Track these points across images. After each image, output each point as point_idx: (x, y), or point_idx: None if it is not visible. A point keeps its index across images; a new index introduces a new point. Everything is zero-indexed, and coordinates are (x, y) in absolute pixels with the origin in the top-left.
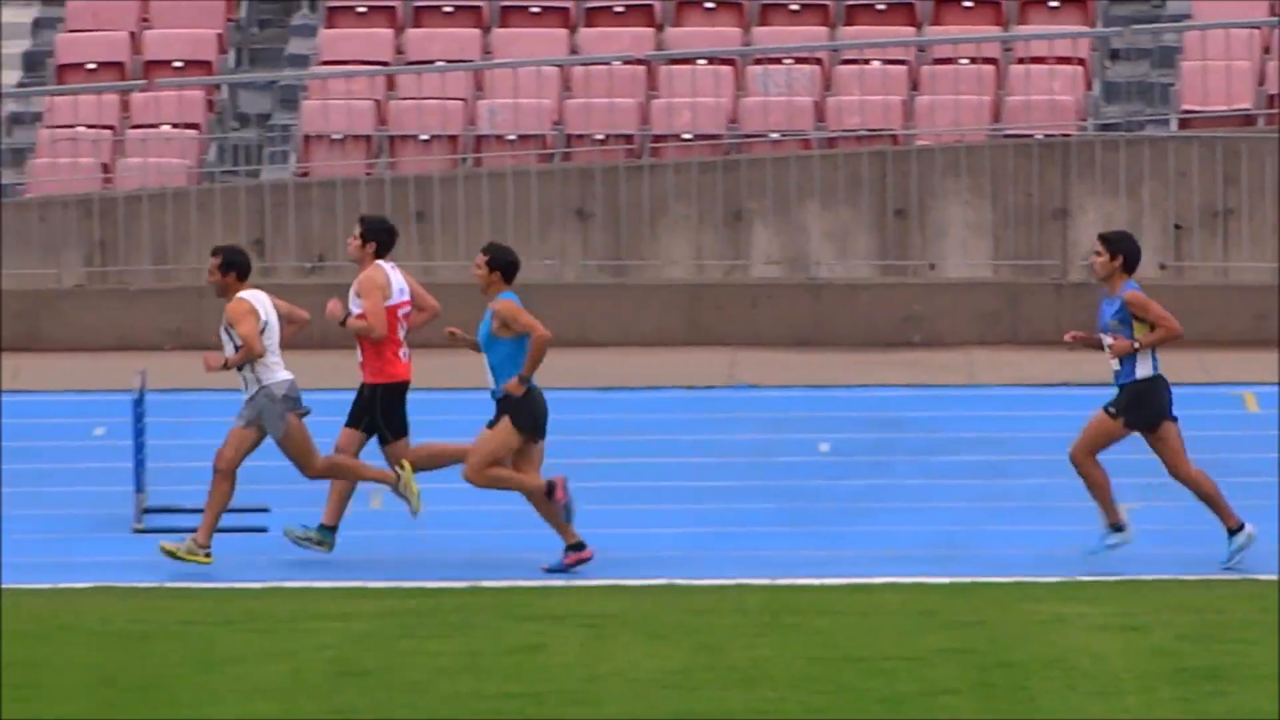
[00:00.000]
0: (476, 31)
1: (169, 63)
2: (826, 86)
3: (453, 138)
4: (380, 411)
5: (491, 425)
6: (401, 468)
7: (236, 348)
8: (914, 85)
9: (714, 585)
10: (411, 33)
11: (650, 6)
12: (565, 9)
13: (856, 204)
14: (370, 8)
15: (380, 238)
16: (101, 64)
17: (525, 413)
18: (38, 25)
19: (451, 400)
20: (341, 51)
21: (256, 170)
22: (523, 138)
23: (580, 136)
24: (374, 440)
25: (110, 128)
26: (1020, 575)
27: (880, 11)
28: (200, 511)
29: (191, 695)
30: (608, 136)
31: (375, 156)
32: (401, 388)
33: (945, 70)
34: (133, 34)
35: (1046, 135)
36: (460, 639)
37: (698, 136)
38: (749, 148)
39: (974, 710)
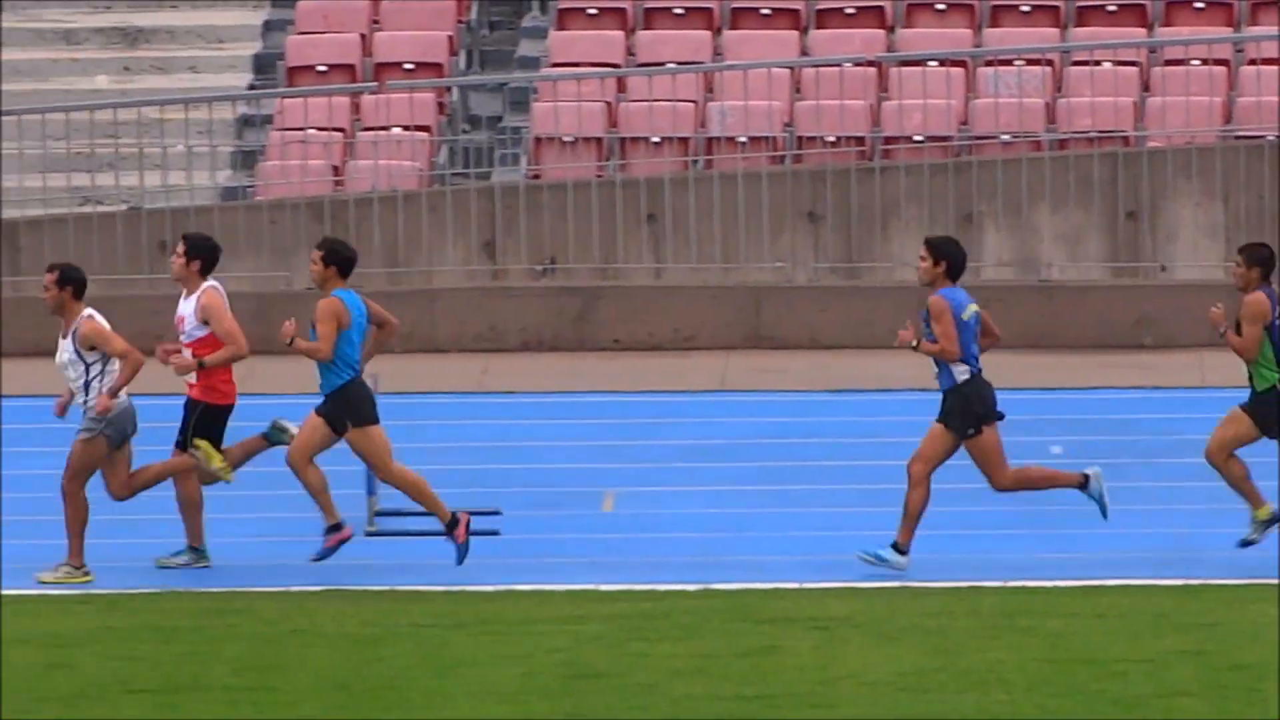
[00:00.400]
0: (707, 33)
1: (399, 65)
2: (1057, 88)
3: (683, 140)
4: (195, 425)
5: (319, 412)
6: (196, 447)
7: (88, 366)
8: (1145, 86)
9: (948, 587)
10: (642, 34)
11: (881, 8)
12: (796, 11)
13: (1088, 206)
14: (601, 10)
15: (205, 254)
16: (332, 66)
17: (358, 409)
18: (268, 27)
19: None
20: (572, 53)
21: (487, 173)
22: (753, 140)
23: (811, 138)
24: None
25: (341, 130)
26: (1252, 577)
27: (1111, 13)
28: (424, 514)
29: (424, 698)
30: (839, 138)
31: (606, 159)
32: (229, 410)
33: (1176, 71)
34: (363, 36)
35: (1278, 136)
36: (692, 641)
37: (929, 138)
38: (980, 149)
39: (1208, 712)
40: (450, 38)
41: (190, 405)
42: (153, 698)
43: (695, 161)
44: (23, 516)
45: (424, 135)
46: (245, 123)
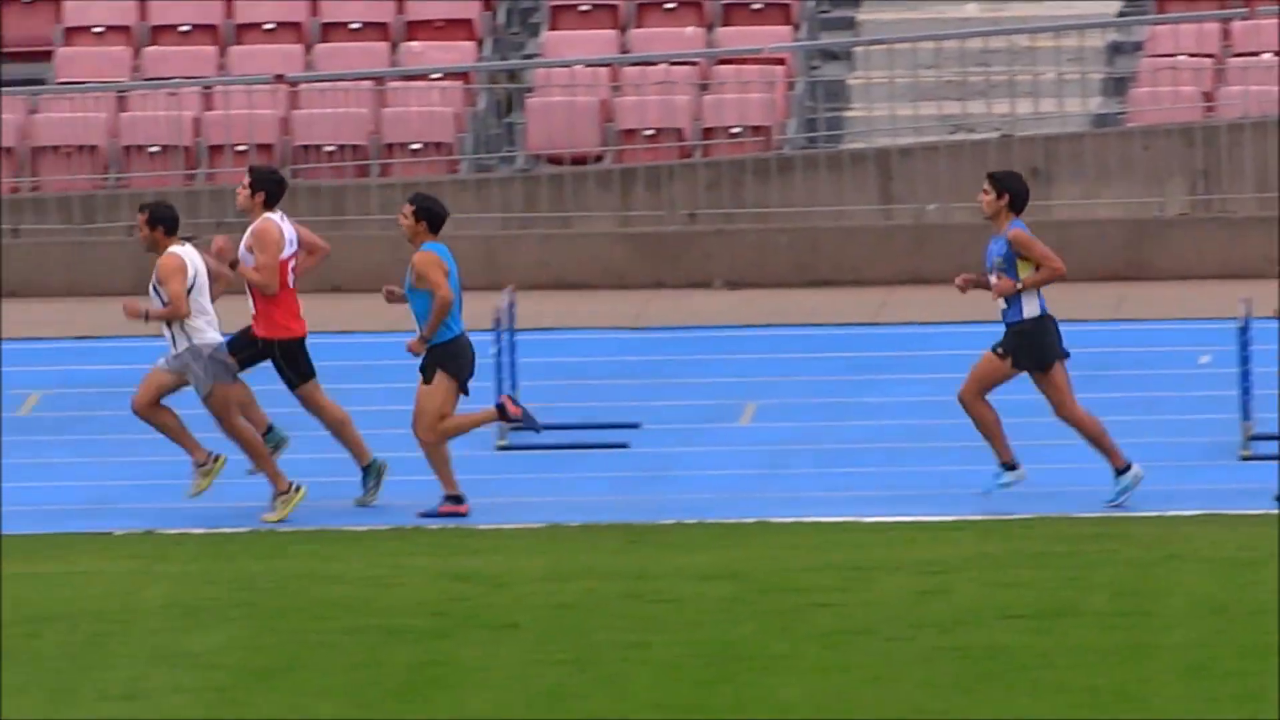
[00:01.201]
0: None
1: None
2: None
3: None
4: (283, 364)
5: (426, 380)
6: (217, 459)
7: (165, 303)
8: None
9: None
10: None
11: None
12: None
13: None
14: None
15: (269, 187)
16: None
17: (456, 363)
18: None
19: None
20: None
21: None
22: None
23: None
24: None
25: (1211, 56)
26: None
27: None
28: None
29: None
30: None
31: None
32: (299, 343)
33: None
34: None
35: None
36: None
37: None
38: None
39: None
40: None
41: (263, 344)
42: (1028, 623)
43: None
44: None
45: None
46: (1115, 49)
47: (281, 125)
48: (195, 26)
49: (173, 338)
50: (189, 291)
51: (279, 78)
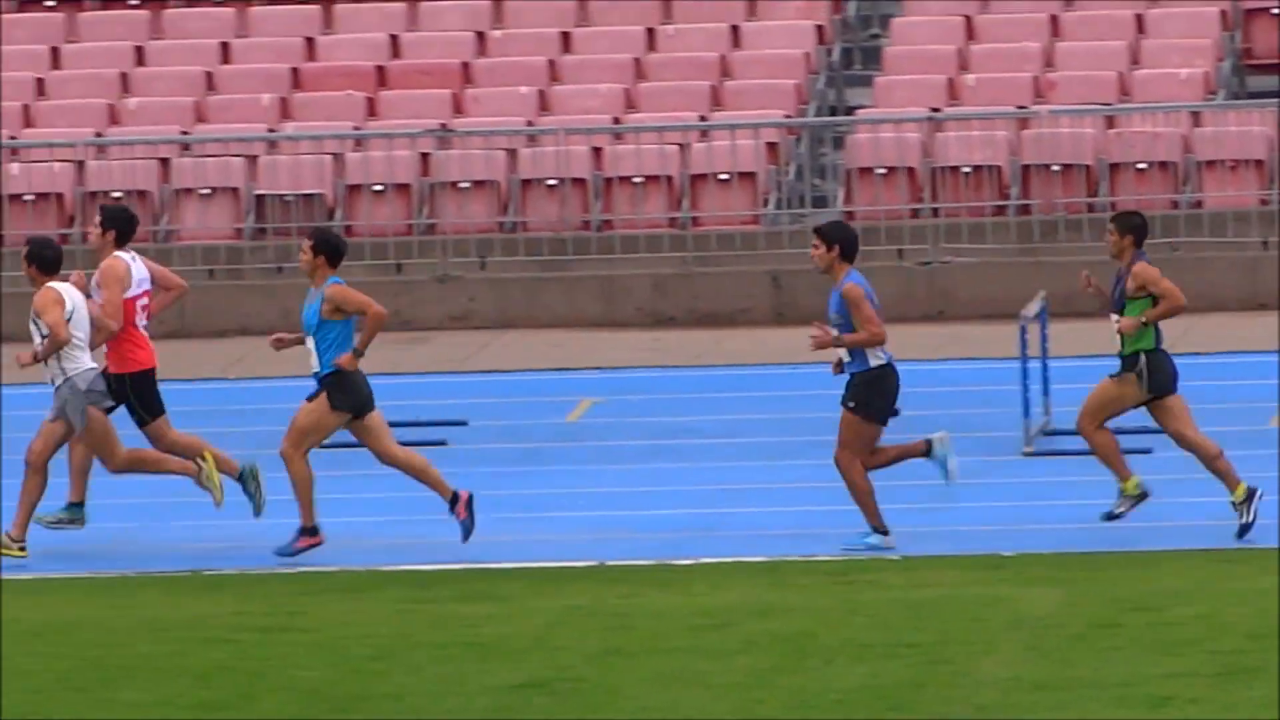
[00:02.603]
0: None
1: None
2: None
3: None
4: (133, 398)
5: (311, 399)
6: (203, 459)
7: (44, 337)
8: None
9: None
10: None
11: None
12: None
13: None
14: None
15: (120, 225)
16: None
17: (344, 392)
18: None
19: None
20: None
21: None
22: None
23: None
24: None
25: None
26: None
27: None
28: None
29: None
30: None
31: None
32: (150, 374)
33: None
34: None
35: None
36: None
37: None
38: None
39: None
40: None
41: (115, 380)
42: None
43: None
44: None
45: None
46: None
47: None
48: None
49: (51, 372)
50: (66, 322)
51: None
